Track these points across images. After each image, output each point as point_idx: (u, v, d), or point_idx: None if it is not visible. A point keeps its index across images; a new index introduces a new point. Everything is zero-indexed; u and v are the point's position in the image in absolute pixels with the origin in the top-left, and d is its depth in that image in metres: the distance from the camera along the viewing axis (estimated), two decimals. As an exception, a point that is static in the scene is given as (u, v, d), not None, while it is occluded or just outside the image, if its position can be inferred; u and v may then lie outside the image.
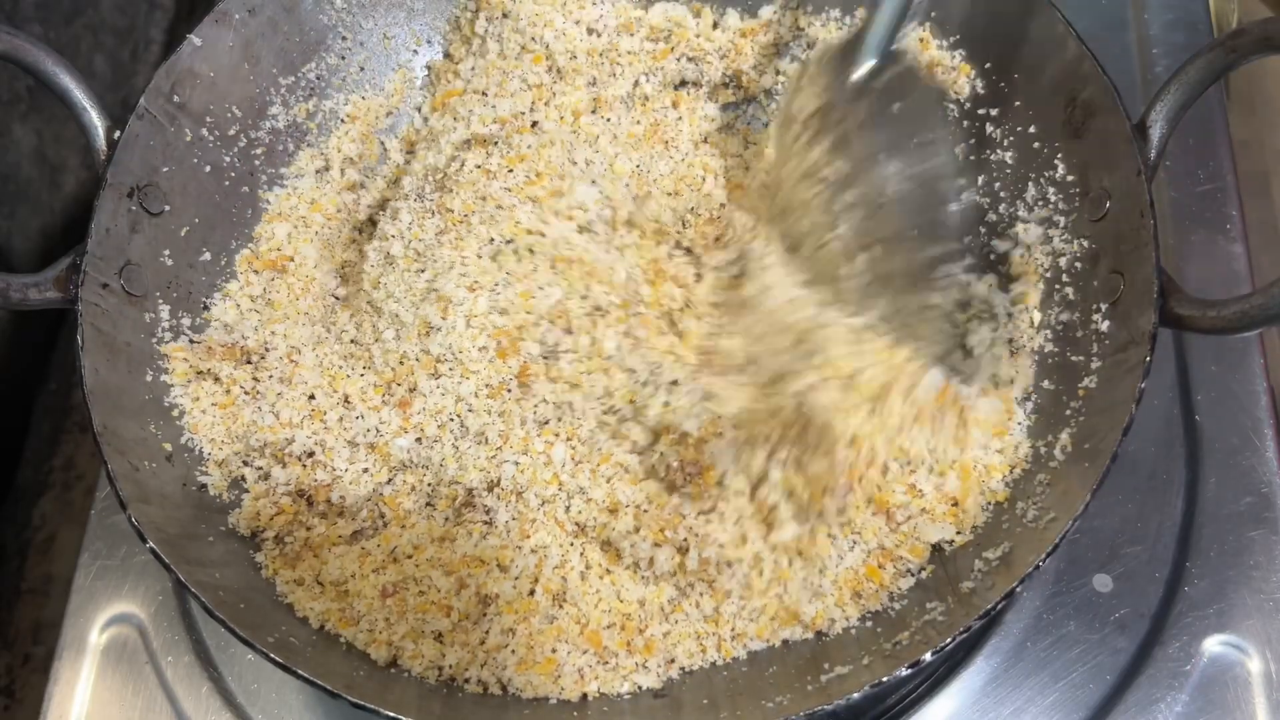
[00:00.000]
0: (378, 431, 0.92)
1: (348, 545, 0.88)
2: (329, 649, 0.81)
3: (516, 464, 0.89)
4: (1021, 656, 0.92)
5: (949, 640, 0.69)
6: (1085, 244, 0.87)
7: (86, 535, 1.03)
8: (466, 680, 0.81)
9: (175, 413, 0.90)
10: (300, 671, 0.70)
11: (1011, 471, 0.85)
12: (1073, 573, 0.94)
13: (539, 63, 1.03)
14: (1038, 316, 0.90)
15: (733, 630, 0.84)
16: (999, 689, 0.91)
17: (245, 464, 0.91)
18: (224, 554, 0.84)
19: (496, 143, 0.99)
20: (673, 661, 0.83)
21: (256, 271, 1.01)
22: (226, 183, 1.00)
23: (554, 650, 0.82)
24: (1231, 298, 0.72)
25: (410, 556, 0.87)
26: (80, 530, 1.04)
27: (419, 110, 1.13)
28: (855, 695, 0.68)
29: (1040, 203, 0.92)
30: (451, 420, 0.91)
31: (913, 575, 0.84)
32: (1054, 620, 0.93)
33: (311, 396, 0.94)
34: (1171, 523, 0.96)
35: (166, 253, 0.93)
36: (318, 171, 1.07)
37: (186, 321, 0.94)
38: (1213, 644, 0.91)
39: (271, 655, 0.70)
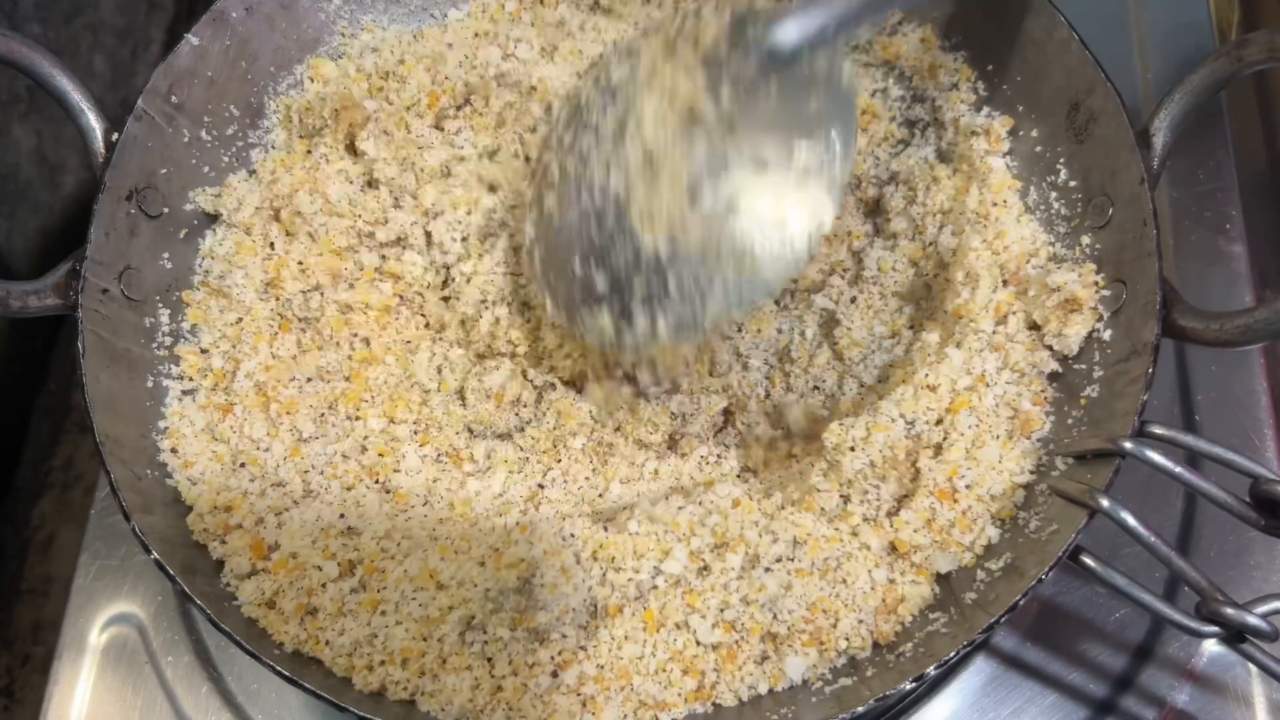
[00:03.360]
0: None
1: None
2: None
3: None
4: (1022, 656, 0.93)
5: (952, 654, 0.69)
6: (1087, 250, 0.87)
7: (86, 535, 1.03)
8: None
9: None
10: (308, 685, 0.70)
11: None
12: (1072, 573, 0.95)
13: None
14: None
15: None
16: (999, 689, 0.92)
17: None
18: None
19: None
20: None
21: None
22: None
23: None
24: (1235, 311, 0.72)
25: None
26: (80, 530, 1.04)
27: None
28: (860, 709, 0.69)
29: (1041, 206, 0.92)
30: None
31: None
32: (1054, 620, 0.94)
33: None
34: (1171, 523, 0.97)
35: (166, 256, 0.93)
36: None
37: (186, 326, 0.93)
38: (1212, 644, 0.92)
39: (278, 668, 0.70)
